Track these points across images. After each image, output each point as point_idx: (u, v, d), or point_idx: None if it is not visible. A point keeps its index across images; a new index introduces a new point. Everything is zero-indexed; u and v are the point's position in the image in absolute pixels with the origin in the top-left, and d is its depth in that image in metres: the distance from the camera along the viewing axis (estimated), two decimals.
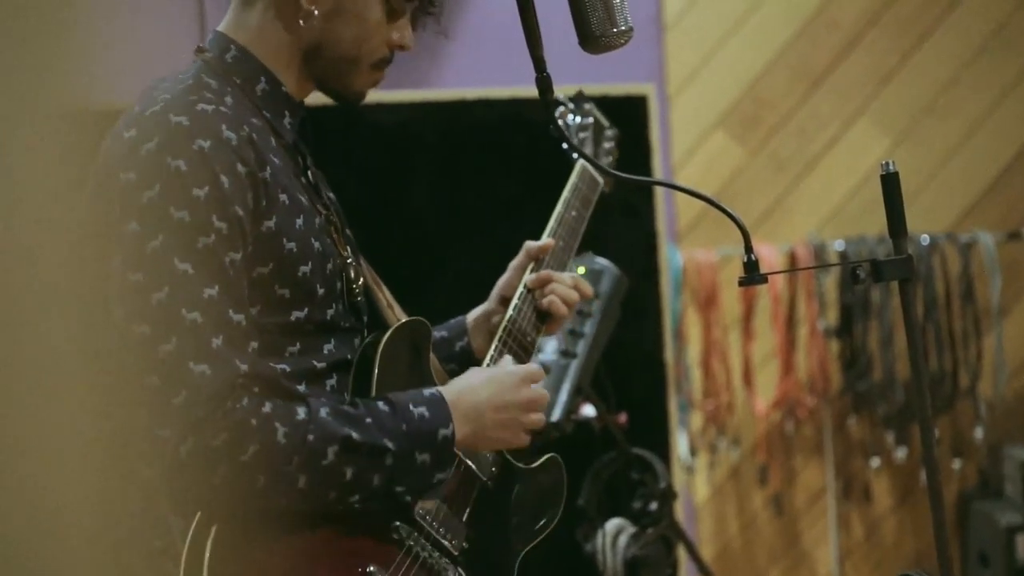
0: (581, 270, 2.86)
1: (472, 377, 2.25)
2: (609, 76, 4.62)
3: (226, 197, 1.97)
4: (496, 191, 3.62)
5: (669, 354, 3.75)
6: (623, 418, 3.05)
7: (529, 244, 2.58)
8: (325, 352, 2.15)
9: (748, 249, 2.07)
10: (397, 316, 2.36)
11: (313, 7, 2.15)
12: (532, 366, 2.31)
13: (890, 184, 2.11)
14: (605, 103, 3.03)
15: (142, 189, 1.95)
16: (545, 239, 2.58)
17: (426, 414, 2.12)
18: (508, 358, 2.34)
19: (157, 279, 1.93)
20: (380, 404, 2.10)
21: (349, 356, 2.19)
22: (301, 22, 2.15)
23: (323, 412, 2.02)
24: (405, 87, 3.64)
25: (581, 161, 2.71)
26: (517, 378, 2.25)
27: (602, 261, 2.91)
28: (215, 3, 5.02)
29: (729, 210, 2.11)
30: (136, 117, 2.02)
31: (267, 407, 1.97)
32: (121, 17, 5.05)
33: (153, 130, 1.98)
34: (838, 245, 5.17)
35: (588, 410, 2.97)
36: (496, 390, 2.21)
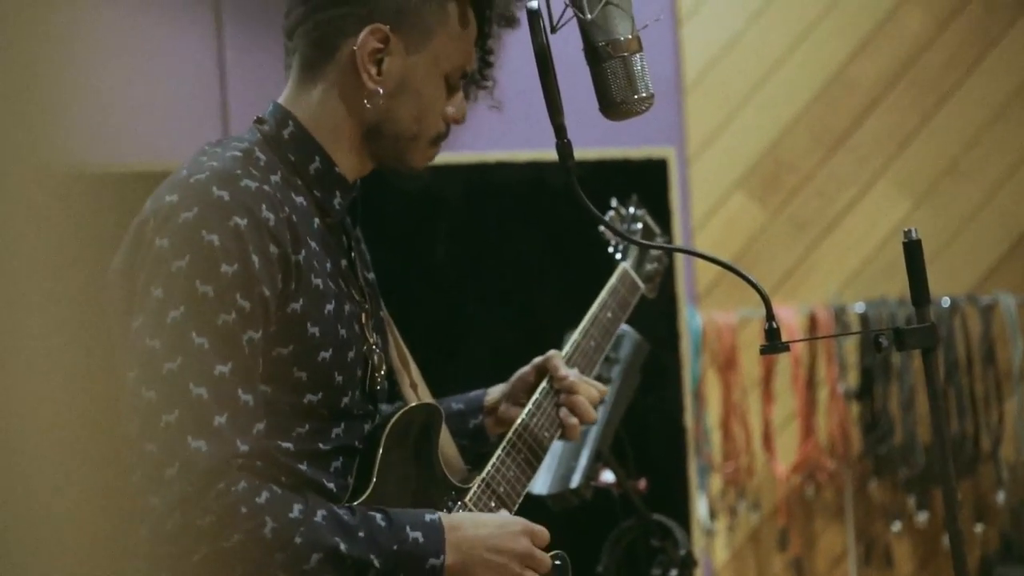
0: None
1: (479, 515, 2.24)
2: (628, 137, 4.62)
3: (254, 277, 1.98)
4: (517, 254, 3.62)
5: (689, 418, 3.74)
6: (643, 484, 3.02)
7: (554, 352, 2.53)
8: (332, 436, 2.14)
9: (769, 317, 2.06)
10: (419, 396, 2.36)
11: (379, 87, 2.15)
12: (540, 528, 2.25)
13: (913, 252, 2.11)
14: (625, 167, 3.03)
15: (172, 258, 1.97)
16: (575, 336, 2.56)
17: (420, 539, 2.09)
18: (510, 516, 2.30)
19: (172, 349, 1.95)
20: (378, 517, 2.08)
21: (356, 442, 2.19)
22: (366, 102, 2.16)
23: (319, 515, 2.02)
24: None
25: (623, 264, 2.69)
26: (520, 527, 2.21)
27: (623, 326, 2.90)
28: (236, 65, 5.04)
29: (749, 276, 2.10)
30: (180, 182, 2.04)
31: (263, 496, 1.97)
32: (139, 76, 5.07)
33: (193, 200, 2.00)
34: (858, 307, 5.15)
35: (607, 476, 2.94)
36: (496, 532, 2.18)
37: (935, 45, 5.43)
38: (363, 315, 2.21)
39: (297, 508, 2.00)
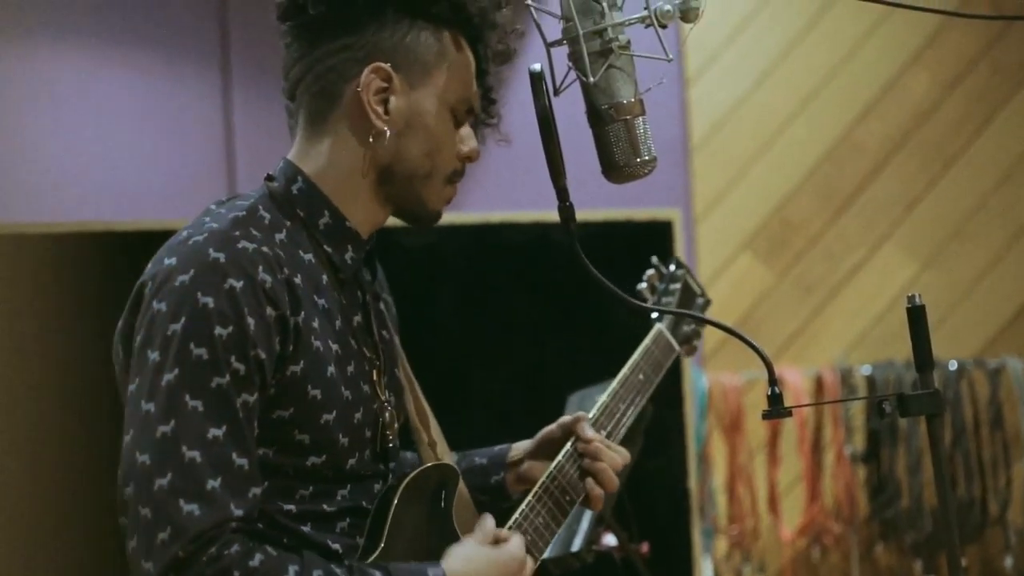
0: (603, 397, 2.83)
1: (477, 552, 2.19)
2: (635, 198, 4.62)
3: (248, 339, 1.97)
4: (521, 314, 3.62)
5: (693, 481, 3.72)
6: (645, 547, 3.01)
7: (581, 414, 2.48)
8: (338, 498, 2.12)
9: (772, 382, 2.04)
10: (437, 455, 2.32)
11: (387, 127, 2.14)
12: (530, 563, 2.24)
13: (917, 317, 2.09)
14: (629, 228, 3.02)
15: (168, 321, 1.96)
16: (603, 399, 2.51)
17: None
18: (518, 538, 2.26)
19: (166, 412, 1.94)
20: (376, 574, 2.05)
21: (364, 503, 2.16)
22: (371, 139, 2.13)
23: (314, 575, 1.99)
24: None
25: (658, 325, 2.65)
26: (518, 563, 2.20)
27: None
28: (243, 123, 5.06)
29: (752, 341, 2.09)
30: (179, 245, 2.04)
31: (256, 559, 1.95)
32: (146, 135, 5.08)
33: (190, 262, 1.99)
34: (865, 370, 5.14)
35: (609, 539, 2.93)
36: (497, 573, 2.16)
37: (941, 109, 5.44)
38: (375, 372, 2.19)
39: (292, 570, 1.98)
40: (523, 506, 2.35)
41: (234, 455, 1.95)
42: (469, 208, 4.16)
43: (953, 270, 5.39)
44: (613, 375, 2.91)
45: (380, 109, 2.13)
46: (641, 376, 2.58)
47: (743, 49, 5.36)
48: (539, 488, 2.37)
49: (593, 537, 2.81)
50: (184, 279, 1.98)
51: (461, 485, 2.30)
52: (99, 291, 2.94)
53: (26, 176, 4.93)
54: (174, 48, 5.12)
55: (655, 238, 3.59)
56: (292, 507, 2.07)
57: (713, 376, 5.10)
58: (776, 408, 2.01)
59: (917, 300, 2.09)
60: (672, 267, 2.80)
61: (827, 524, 5.10)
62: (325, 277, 2.13)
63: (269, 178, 2.18)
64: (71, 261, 3.42)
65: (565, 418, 2.49)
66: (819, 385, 5.14)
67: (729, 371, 5.14)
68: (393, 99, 2.14)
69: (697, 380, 4.99)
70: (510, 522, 2.32)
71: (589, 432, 2.44)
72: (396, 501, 2.15)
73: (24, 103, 4.97)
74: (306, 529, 2.08)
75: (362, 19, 2.14)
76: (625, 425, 2.53)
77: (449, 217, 3.53)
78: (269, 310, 1.99)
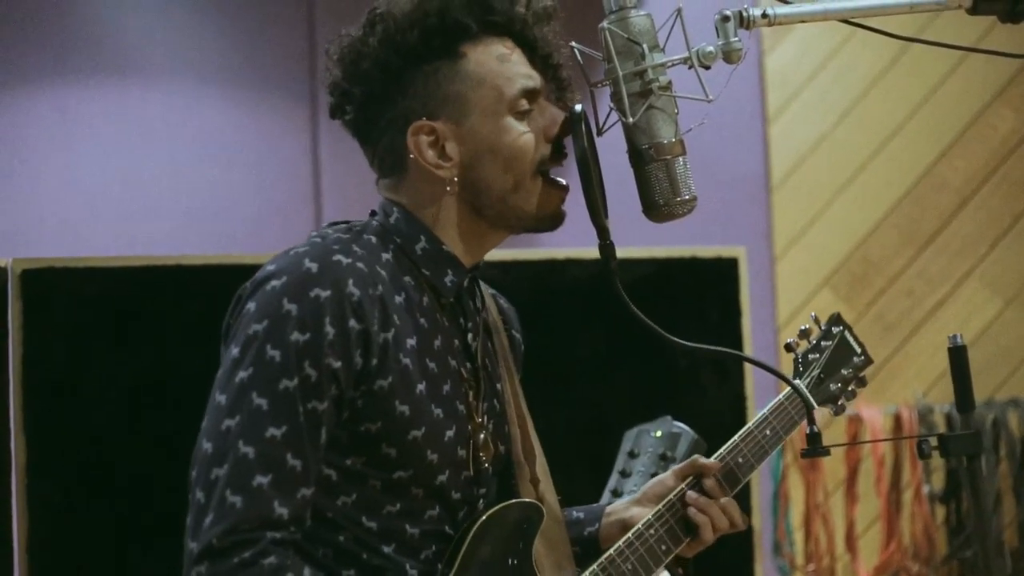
0: (658, 434, 2.84)
1: None
2: (714, 235, 4.62)
3: (324, 348, 2.02)
4: (587, 352, 3.62)
5: (757, 519, 3.70)
6: None
7: (698, 458, 2.47)
8: (425, 518, 2.14)
9: (810, 421, 2.05)
10: (538, 493, 2.31)
11: (451, 174, 2.17)
12: None
13: (958, 358, 2.09)
14: (694, 265, 3.02)
15: (253, 321, 2.04)
16: (721, 451, 2.49)
17: None
18: None
19: (234, 406, 2.02)
20: None
21: (448, 528, 2.17)
22: (448, 188, 2.18)
23: None
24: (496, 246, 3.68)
25: (796, 380, 2.60)
26: None
27: (679, 425, 2.87)
28: (330, 159, 5.12)
29: (795, 383, 2.11)
30: (283, 254, 2.11)
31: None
32: (235, 170, 5.17)
33: (285, 269, 2.07)
34: (944, 408, 5.09)
35: None
36: None
37: None
38: (471, 394, 2.20)
39: None
40: (612, 551, 2.34)
41: (288, 455, 2.01)
42: (535, 245, 4.18)
43: None
44: (673, 412, 2.91)
45: (439, 160, 2.17)
46: (768, 431, 2.54)
47: (824, 86, 5.35)
48: (633, 533, 2.36)
49: None
50: (276, 284, 2.05)
51: (548, 524, 2.28)
52: (192, 323, 2.99)
53: (117, 209, 5.04)
54: (264, 86, 5.21)
55: (721, 276, 3.58)
56: (374, 524, 2.10)
57: None
58: (814, 447, 2.03)
59: (958, 341, 2.09)
60: (829, 325, 2.74)
61: (905, 564, 5.06)
62: (426, 299, 2.17)
63: (372, 214, 2.25)
64: (160, 294, 3.47)
65: (683, 464, 2.48)
66: (897, 423, 5.11)
67: None
68: (448, 145, 2.17)
69: None
70: (592, 565, 2.32)
71: (712, 467, 2.44)
72: (473, 532, 2.16)
73: (117, 139, 5.08)
74: (387, 549, 2.10)
75: (384, 96, 2.19)
76: (741, 481, 2.49)
77: (513, 254, 3.58)
78: (353, 323, 2.04)
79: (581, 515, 2.50)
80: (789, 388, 2.53)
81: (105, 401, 3.34)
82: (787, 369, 2.59)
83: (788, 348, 2.63)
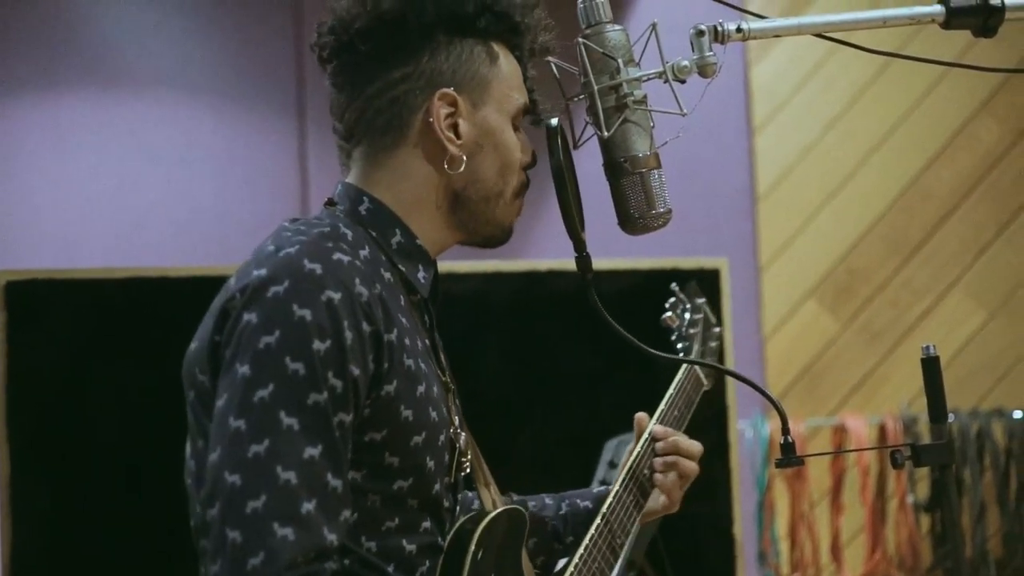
0: None
1: None
2: (702, 246, 4.65)
3: (346, 355, 1.88)
4: (568, 363, 3.63)
5: (738, 529, 3.72)
6: None
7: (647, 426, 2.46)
8: (421, 531, 2.04)
9: (785, 431, 2.07)
10: (493, 496, 2.25)
11: (462, 152, 2.09)
12: None
13: (931, 368, 2.10)
14: (677, 276, 3.03)
15: (261, 333, 1.87)
16: (644, 437, 2.46)
17: None
18: None
19: (259, 430, 1.83)
20: None
21: (439, 540, 2.08)
22: (447, 167, 2.08)
23: None
24: (477, 257, 3.69)
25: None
26: None
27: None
28: (318, 170, 5.14)
29: (765, 391, 2.12)
30: (268, 256, 1.94)
31: None
32: (222, 182, 5.18)
33: (284, 273, 1.90)
34: None
35: None
36: None
37: (1010, 155, 5.44)
38: (449, 396, 2.12)
39: None
40: (576, 559, 2.31)
41: (329, 476, 1.86)
42: (516, 256, 4.20)
43: (1021, 318, 5.36)
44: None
45: (452, 135, 2.08)
46: (676, 413, 2.54)
47: (810, 98, 5.38)
48: (600, 519, 2.34)
49: None
50: (278, 290, 1.89)
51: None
52: (178, 335, 3.00)
53: (105, 221, 5.05)
54: (252, 97, 5.23)
55: (703, 287, 3.60)
56: (374, 544, 1.98)
57: (775, 424, 5.09)
58: (789, 457, 2.04)
59: (931, 351, 2.10)
60: (693, 298, 2.80)
61: (889, 573, 5.07)
62: (402, 296, 2.06)
63: (330, 202, 2.12)
64: (148, 306, 3.48)
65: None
66: (882, 433, 5.12)
67: (792, 419, 5.11)
68: (462, 123, 2.09)
69: (760, 428, 5.00)
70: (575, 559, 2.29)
71: (661, 428, 2.43)
72: (473, 547, 2.07)
73: (102, 152, 5.10)
74: (390, 570, 1.99)
75: (414, 47, 2.09)
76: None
77: (495, 265, 3.60)
78: (366, 325, 1.92)
79: (589, 504, 2.45)
80: (682, 368, 2.60)
81: (91, 412, 3.35)
82: (665, 347, 2.64)
83: (666, 324, 2.66)
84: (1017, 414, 5.07)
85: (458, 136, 2.08)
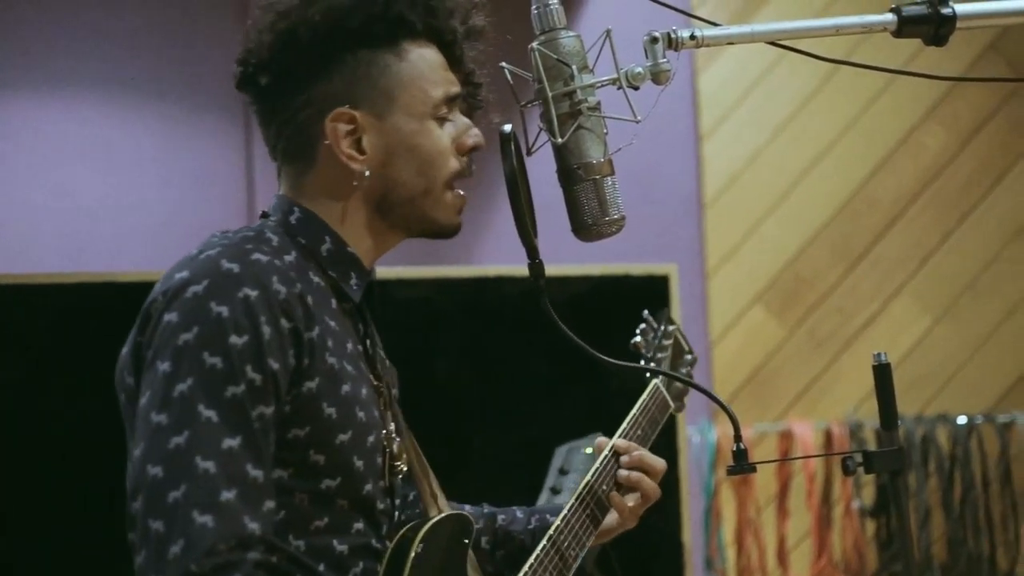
0: (588, 451, 2.85)
1: None
2: (646, 253, 4.65)
3: (264, 349, 1.92)
4: (520, 369, 3.63)
5: (687, 535, 3.73)
6: None
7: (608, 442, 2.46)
8: (353, 532, 2.05)
9: (737, 438, 2.07)
10: (440, 507, 2.26)
11: (365, 167, 2.11)
12: None
13: (882, 375, 2.12)
14: (627, 283, 3.04)
15: (180, 331, 1.92)
16: (604, 455, 2.46)
17: None
18: None
19: (179, 423, 1.88)
20: None
21: (375, 542, 2.09)
22: (355, 183, 2.12)
23: None
24: (428, 263, 3.69)
25: (654, 380, 2.62)
26: None
27: (581, 441, 2.90)
28: (265, 178, 5.11)
29: (720, 400, 2.13)
30: (190, 260, 2.00)
31: None
32: (169, 189, 5.15)
33: (203, 274, 1.95)
34: (875, 424, 5.13)
35: None
36: None
37: (956, 162, 5.47)
38: (381, 401, 2.14)
39: None
40: (537, 551, 2.31)
41: (249, 467, 1.90)
42: (466, 262, 4.19)
43: (966, 324, 5.39)
44: (610, 430, 2.93)
45: (354, 152, 2.11)
46: (639, 432, 2.53)
47: (757, 105, 5.40)
48: (552, 532, 2.33)
49: None
50: (197, 289, 1.93)
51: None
52: (123, 340, 2.98)
53: (50, 226, 5.01)
54: (197, 100, 5.20)
55: (652, 293, 3.61)
56: (302, 542, 2.00)
57: (723, 429, 5.11)
58: (740, 464, 2.05)
59: (883, 359, 2.12)
60: (664, 324, 2.80)
61: None
62: (333, 301, 2.09)
63: (264, 215, 2.16)
64: (96, 311, 3.45)
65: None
66: (828, 439, 5.15)
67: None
68: (365, 137, 2.12)
69: (707, 433, 5.01)
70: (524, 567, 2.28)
71: (624, 443, 2.44)
72: (414, 552, 2.09)
73: (47, 154, 5.05)
74: (321, 569, 2.01)
75: (310, 72, 2.13)
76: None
77: (445, 271, 3.60)
78: (284, 321, 1.96)
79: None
80: (650, 388, 2.60)
81: (46, 417, 3.33)
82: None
83: (634, 348, 2.66)
84: (961, 420, 5.11)
85: (362, 151, 2.12)
